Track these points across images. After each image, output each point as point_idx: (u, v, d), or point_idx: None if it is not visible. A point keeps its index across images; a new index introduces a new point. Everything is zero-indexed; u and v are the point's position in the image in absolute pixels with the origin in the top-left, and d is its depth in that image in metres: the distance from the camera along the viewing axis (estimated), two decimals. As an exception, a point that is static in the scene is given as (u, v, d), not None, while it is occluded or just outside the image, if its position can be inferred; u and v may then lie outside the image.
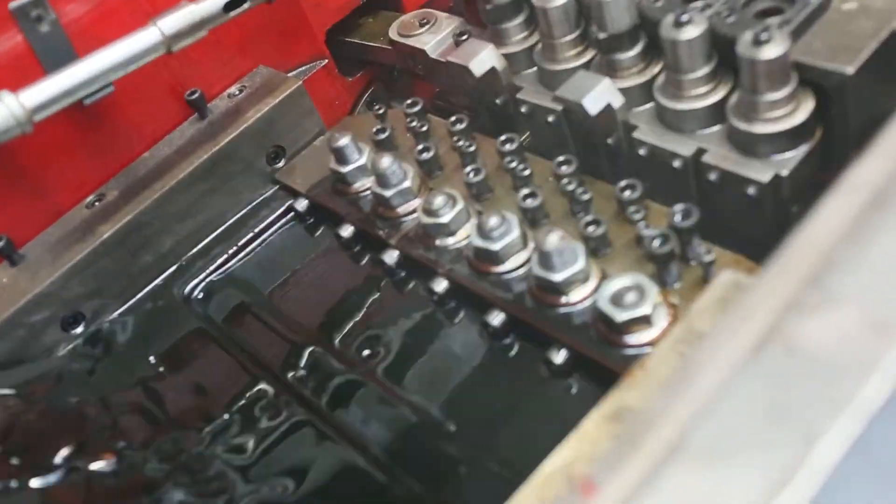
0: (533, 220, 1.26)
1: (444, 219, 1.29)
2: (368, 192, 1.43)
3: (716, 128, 1.19)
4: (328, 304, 1.42)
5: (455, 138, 1.40)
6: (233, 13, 1.39)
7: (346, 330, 1.36)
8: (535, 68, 1.41)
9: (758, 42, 1.05)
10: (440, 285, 1.29)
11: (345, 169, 1.45)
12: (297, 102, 1.57)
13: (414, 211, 1.38)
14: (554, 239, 1.12)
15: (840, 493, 0.54)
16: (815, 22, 1.15)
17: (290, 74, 1.62)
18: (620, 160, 1.29)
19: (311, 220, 1.55)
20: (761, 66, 1.06)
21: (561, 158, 1.26)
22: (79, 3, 1.39)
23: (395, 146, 1.50)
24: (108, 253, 1.43)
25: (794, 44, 1.12)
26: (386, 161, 1.36)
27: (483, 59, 1.39)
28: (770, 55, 1.05)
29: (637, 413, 0.62)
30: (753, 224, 1.17)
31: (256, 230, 1.55)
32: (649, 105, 1.26)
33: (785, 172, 1.11)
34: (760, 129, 1.11)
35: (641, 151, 1.23)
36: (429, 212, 1.30)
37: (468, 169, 1.34)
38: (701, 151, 1.17)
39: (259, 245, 1.55)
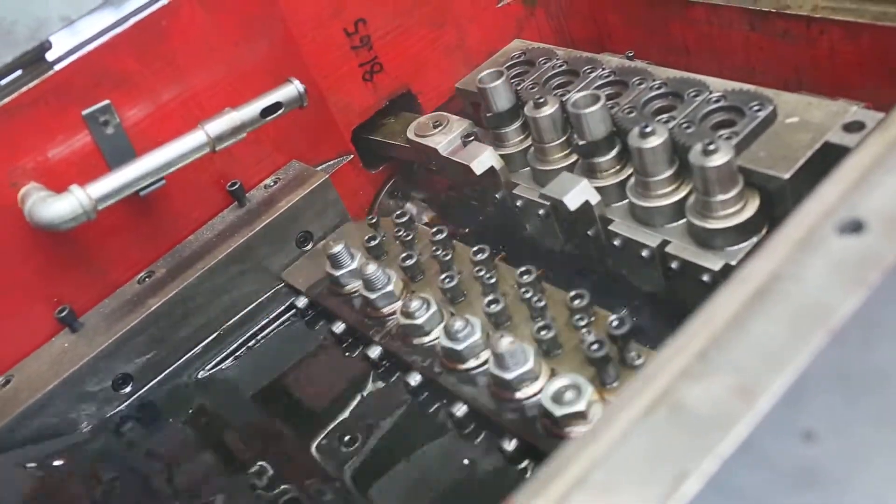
0: (497, 322, 1.41)
1: (419, 321, 1.44)
2: (358, 293, 1.59)
3: (679, 222, 1.37)
4: (319, 393, 1.60)
5: (434, 248, 1.57)
6: (269, 118, 1.60)
7: (331, 416, 1.52)
8: (529, 168, 1.60)
9: (706, 152, 1.24)
10: (414, 379, 1.44)
11: (338, 273, 1.63)
12: (324, 193, 1.77)
13: (396, 312, 1.53)
14: (505, 343, 1.26)
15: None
16: (763, 133, 1.34)
17: (319, 168, 1.84)
18: (600, 248, 1.47)
19: (310, 316, 1.74)
20: (710, 173, 1.25)
21: (523, 269, 1.42)
22: (139, 109, 1.62)
23: (385, 251, 1.68)
24: (156, 322, 1.63)
25: (742, 152, 1.32)
26: (371, 268, 1.53)
27: (483, 159, 1.60)
28: (717, 163, 1.23)
29: (554, 457, 0.79)
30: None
31: (263, 323, 1.76)
32: (624, 202, 1.44)
33: (734, 262, 1.28)
34: (713, 224, 1.29)
35: (616, 242, 1.41)
36: (406, 314, 1.45)
37: (443, 276, 1.50)
38: (665, 243, 1.35)
39: (265, 337, 1.75)
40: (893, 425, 0.71)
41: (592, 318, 1.34)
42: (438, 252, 1.55)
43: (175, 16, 1.60)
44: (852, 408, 0.73)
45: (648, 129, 1.33)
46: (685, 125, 1.37)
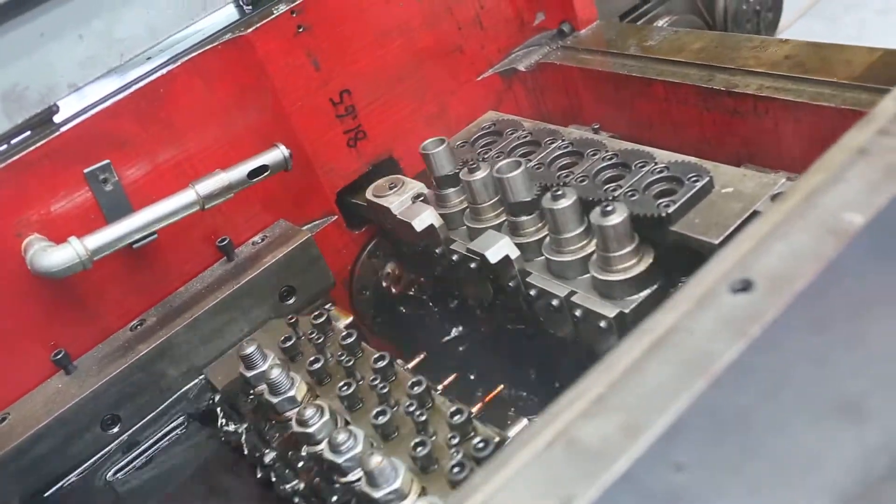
0: (384, 434, 1.41)
1: (311, 429, 1.44)
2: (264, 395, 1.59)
3: (587, 275, 1.50)
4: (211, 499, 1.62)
5: (340, 353, 1.60)
6: (256, 179, 1.73)
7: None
8: (465, 226, 1.75)
9: (604, 213, 1.38)
10: (299, 489, 1.46)
11: (249, 374, 1.63)
12: (307, 251, 1.88)
13: None
14: (374, 461, 1.23)
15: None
16: (699, 201, 1.45)
17: (305, 227, 1.96)
18: (522, 299, 1.60)
19: (223, 413, 1.77)
20: (608, 231, 1.39)
21: (414, 379, 1.44)
22: (137, 169, 1.75)
23: (300, 352, 1.69)
24: (143, 368, 1.73)
25: (679, 219, 1.43)
26: (275, 372, 1.55)
27: (423, 218, 1.75)
28: (613, 222, 1.38)
29: (462, 487, 0.89)
30: (611, 349, 1.45)
31: (182, 418, 1.81)
32: (542, 257, 1.59)
33: (627, 310, 1.42)
34: (610, 277, 1.43)
35: (532, 292, 1.56)
36: (300, 422, 1.45)
37: (342, 383, 1.50)
38: (572, 293, 1.49)
39: (175, 434, 1.80)
40: (750, 458, 0.81)
41: (472, 434, 1.34)
42: (343, 357, 1.57)
43: (173, 83, 1.75)
44: (718, 442, 0.83)
45: (559, 193, 1.48)
46: (630, 193, 1.49)
